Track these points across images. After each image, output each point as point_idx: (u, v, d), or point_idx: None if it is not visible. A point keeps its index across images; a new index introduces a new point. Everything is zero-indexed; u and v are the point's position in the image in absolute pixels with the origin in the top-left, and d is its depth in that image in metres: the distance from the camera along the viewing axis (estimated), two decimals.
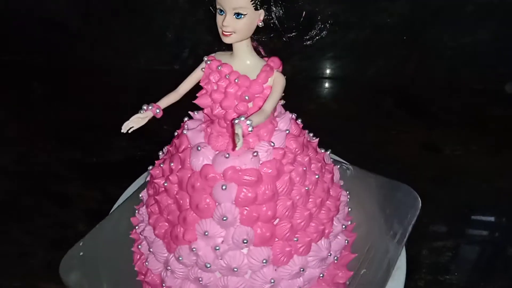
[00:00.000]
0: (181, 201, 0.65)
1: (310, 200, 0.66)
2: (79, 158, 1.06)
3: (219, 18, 0.56)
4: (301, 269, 0.65)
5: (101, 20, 1.28)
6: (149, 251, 0.70)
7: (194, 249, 0.63)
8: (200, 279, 0.65)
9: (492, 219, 0.96)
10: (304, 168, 0.65)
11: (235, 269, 0.63)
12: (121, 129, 0.57)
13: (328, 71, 1.40)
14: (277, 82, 0.59)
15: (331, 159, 0.78)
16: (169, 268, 0.67)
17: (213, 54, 0.63)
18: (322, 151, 0.75)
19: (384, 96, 1.33)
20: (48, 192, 0.98)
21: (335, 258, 0.70)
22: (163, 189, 0.68)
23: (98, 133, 1.11)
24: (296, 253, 0.66)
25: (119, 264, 0.77)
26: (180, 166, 0.65)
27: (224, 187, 0.60)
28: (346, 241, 0.73)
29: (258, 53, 0.62)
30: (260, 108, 0.58)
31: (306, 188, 0.65)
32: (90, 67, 1.26)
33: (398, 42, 1.31)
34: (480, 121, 1.24)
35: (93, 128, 1.13)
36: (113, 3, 1.26)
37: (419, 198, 0.87)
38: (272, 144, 0.62)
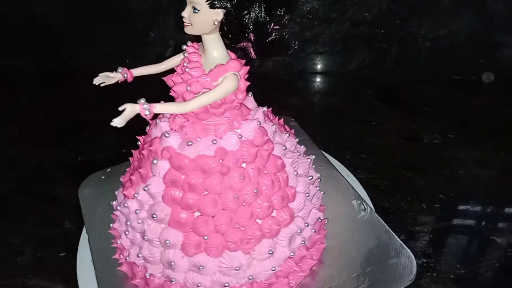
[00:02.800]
0: (136, 161, 0.72)
1: (241, 209, 0.66)
2: (67, 158, 1.10)
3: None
4: (200, 267, 0.66)
5: (87, 21, 1.33)
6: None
7: (125, 205, 0.70)
8: (127, 232, 0.72)
9: (470, 206, 0.99)
10: (242, 177, 0.65)
11: (145, 237, 0.68)
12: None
13: (309, 65, 1.42)
14: (223, 83, 0.59)
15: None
16: (115, 211, 0.76)
17: (201, 42, 0.66)
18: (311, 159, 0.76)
19: (365, 89, 1.37)
20: (36, 192, 1.02)
21: (250, 277, 0.68)
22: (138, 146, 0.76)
23: (85, 133, 1.17)
24: (206, 251, 0.66)
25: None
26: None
27: (155, 162, 0.65)
28: (273, 269, 0.69)
29: (245, 53, 0.63)
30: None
31: (235, 196, 0.64)
32: (77, 68, 1.30)
33: (377, 36, 1.35)
34: (458, 111, 1.28)
35: (80, 128, 1.18)
36: (97, 3, 1.30)
37: (414, 273, 0.76)
38: (214, 142, 0.64)
